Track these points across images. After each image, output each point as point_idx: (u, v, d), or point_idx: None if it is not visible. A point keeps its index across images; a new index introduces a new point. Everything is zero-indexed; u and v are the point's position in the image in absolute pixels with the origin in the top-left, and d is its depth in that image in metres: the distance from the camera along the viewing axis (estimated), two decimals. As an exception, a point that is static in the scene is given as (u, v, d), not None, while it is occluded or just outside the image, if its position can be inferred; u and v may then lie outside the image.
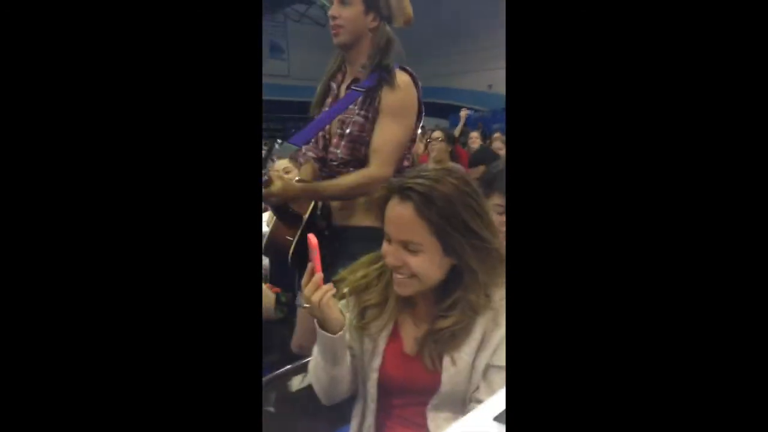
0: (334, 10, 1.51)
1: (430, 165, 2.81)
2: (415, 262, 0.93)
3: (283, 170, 2.77)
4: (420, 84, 1.52)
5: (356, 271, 1.04)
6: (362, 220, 1.53)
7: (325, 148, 1.56)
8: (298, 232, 1.64)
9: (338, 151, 1.51)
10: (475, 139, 5.33)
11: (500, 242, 0.92)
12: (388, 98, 1.47)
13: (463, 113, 6.16)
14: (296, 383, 1.09)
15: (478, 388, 0.95)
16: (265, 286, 2.30)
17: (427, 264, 0.93)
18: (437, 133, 3.66)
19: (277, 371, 1.11)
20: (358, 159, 1.50)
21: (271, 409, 1.04)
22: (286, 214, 1.66)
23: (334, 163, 1.53)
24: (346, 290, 1.04)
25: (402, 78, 1.48)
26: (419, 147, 5.12)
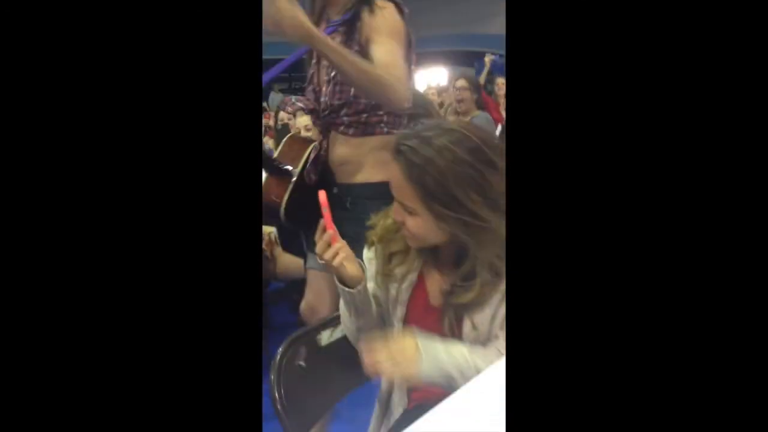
0: None
1: (450, 118, 2.76)
2: (411, 223, 0.92)
3: (305, 128, 2.75)
4: (406, 12, 1.41)
5: (387, 217, 1.02)
6: (371, 175, 1.42)
7: (317, 99, 1.48)
8: (289, 188, 1.57)
9: (326, 99, 1.43)
10: (501, 86, 5.19)
11: (500, 220, 0.87)
12: (372, 23, 1.37)
13: (488, 59, 5.97)
14: (325, 337, 1.10)
15: (497, 337, 0.95)
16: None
17: (422, 227, 0.91)
18: (461, 82, 3.53)
19: (306, 327, 1.13)
20: (348, 102, 1.42)
21: (302, 363, 1.05)
22: (274, 168, 1.56)
23: (326, 112, 1.45)
24: (374, 238, 1.03)
25: (382, 3, 1.38)
26: (444, 97, 4.97)
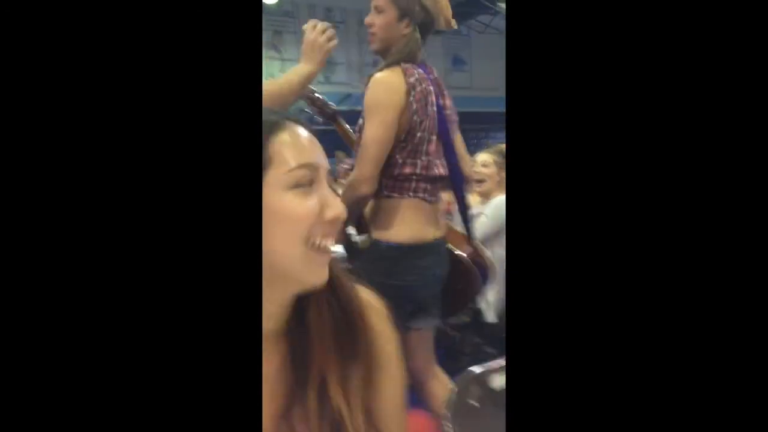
0: (368, 19, 1.54)
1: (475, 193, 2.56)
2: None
3: None
4: (415, 77, 1.50)
5: None
6: (399, 233, 1.54)
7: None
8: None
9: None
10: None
11: None
12: (366, 97, 1.50)
13: None
14: (498, 382, 1.14)
15: None
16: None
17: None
18: (484, 157, 2.63)
19: (481, 369, 1.17)
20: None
21: (475, 403, 1.09)
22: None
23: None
24: None
25: (380, 75, 1.49)
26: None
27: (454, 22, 1.60)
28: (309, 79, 1.48)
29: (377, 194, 1.55)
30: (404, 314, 1.59)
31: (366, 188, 1.49)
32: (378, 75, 1.51)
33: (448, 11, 1.58)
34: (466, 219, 1.78)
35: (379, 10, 1.52)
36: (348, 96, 1.74)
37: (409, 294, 1.57)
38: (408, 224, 1.55)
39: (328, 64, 1.49)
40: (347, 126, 1.77)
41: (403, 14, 1.51)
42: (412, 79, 1.51)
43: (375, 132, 1.48)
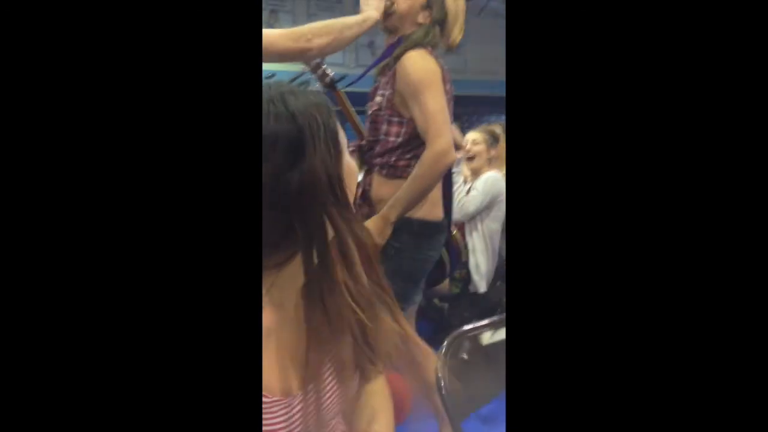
0: None
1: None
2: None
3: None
4: (440, 60, 1.52)
5: None
6: (428, 211, 1.57)
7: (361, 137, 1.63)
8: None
9: (367, 133, 1.58)
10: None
11: None
12: (410, 74, 1.48)
13: None
14: (486, 338, 1.21)
15: None
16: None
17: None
18: (474, 135, 2.76)
19: (474, 325, 1.24)
20: (377, 139, 1.54)
21: (465, 356, 1.16)
22: None
23: (366, 148, 1.59)
24: None
25: (415, 54, 1.49)
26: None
27: (454, 47, 1.63)
28: (367, 25, 1.46)
29: (403, 173, 1.57)
30: (418, 289, 1.65)
31: (452, 156, 1.50)
32: (412, 53, 1.51)
33: (457, 37, 1.61)
34: (451, 200, 1.83)
35: None
36: (343, 77, 1.76)
37: (428, 268, 1.64)
38: (432, 203, 1.60)
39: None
40: (347, 99, 1.80)
41: (429, 4, 1.55)
42: (440, 61, 1.56)
43: (438, 102, 1.48)
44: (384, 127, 1.56)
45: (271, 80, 0.73)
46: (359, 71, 1.70)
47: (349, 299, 0.71)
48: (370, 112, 1.60)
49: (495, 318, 1.25)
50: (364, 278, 0.75)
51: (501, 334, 1.22)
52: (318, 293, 0.70)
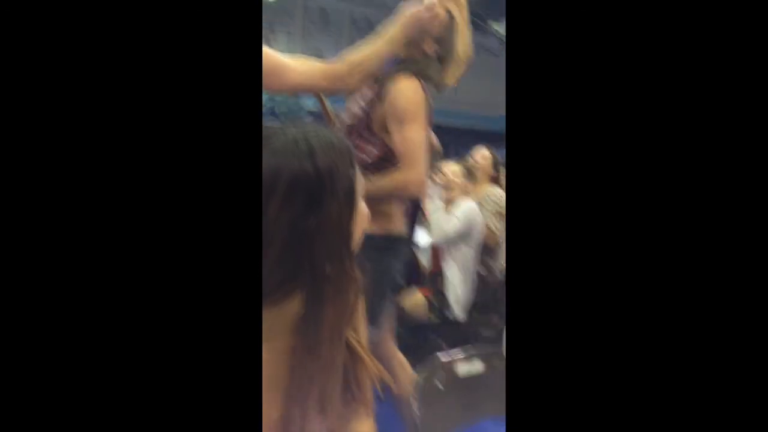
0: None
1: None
2: None
3: None
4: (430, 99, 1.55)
5: None
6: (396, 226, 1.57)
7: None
8: None
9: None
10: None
11: None
12: (399, 99, 1.48)
13: None
14: (463, 370, 1.23)
15: None
16: (417, 291, 2.48)
17: None
18: (454, 167, 2.76)
19: (451, 358, 1.26)
20: None
21: (440, 386, 1.18)
22: None
23: None
24: None
25: (407, 82, 1.50)
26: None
27: (449, 85, 1.64)
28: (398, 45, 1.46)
29: None
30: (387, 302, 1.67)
31: (422, 189, 1.54)
32: (406, 81, 1.48)
33: (456, 80, 1.62)
34: (415, 217, 1.85)
35: (430, 12, 1.51)
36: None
37: (394, 280, 1.66)
38: (394, 217, 1.62)
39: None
40: (329, 104, 1.78)
41: (440, 39, 1.55)
42: (426, 93, 1.58)
43: (420, 134, 1.50)
44: (356, 142, 1.56)
45: (299, 124, 0.73)
46: None
47: (343, 339, 0.73)
48: (345, 120, 1.59)
49: (471, 351, 1.27)
50: (358, 320, 0.77)
51: (478, 366, 1.24)
52: (313, 331, 0.71)
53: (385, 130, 1.51)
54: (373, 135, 1.53)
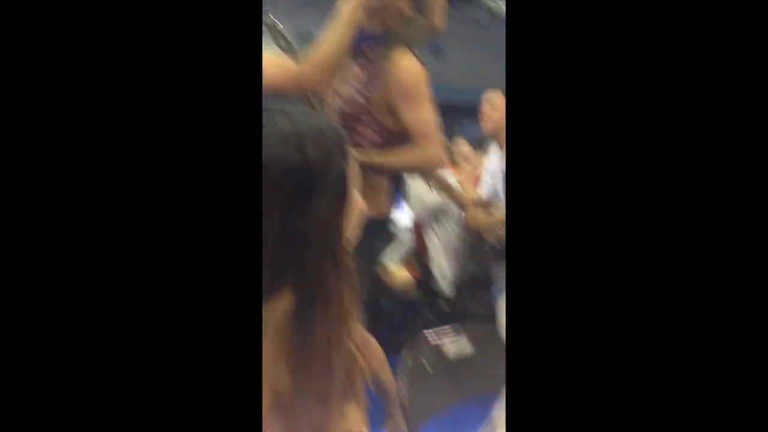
0: None
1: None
2: None
3: None
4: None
5: None
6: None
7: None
8: None
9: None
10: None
11: None
12: (402, 81, 1.44)
13: None
14: (453, 350, 1.21)
15: None
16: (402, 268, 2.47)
17: None
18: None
19: (440, 340, 1.24)
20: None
21: (429, 369, 1.16)
22: None
23: None
24: None
25: (407, 59, 1.46)
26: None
27: (437, 31, 1.61)
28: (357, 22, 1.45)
29: None
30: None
31: (440, 164, 1.54)
32: (402, 58, 1.45)
33: (443, 15, 1.54)
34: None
35: None
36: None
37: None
38: (385, 199, 1.61)
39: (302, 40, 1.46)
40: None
41: None
42: (423, 62, 1.52)
43: (431, 111, 1.48)
44: (358, 127, 1.55)
45: (288, 112, 0.69)
46: None
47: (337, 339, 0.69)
48: (340, 103, 1.56)
49: (460, 330, 1.25)
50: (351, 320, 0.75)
51: (467, 347, 1.22)
52: (306, 327, 0.68)
53: (390, 112, 1.48)
54: (376, 123, 1.48)
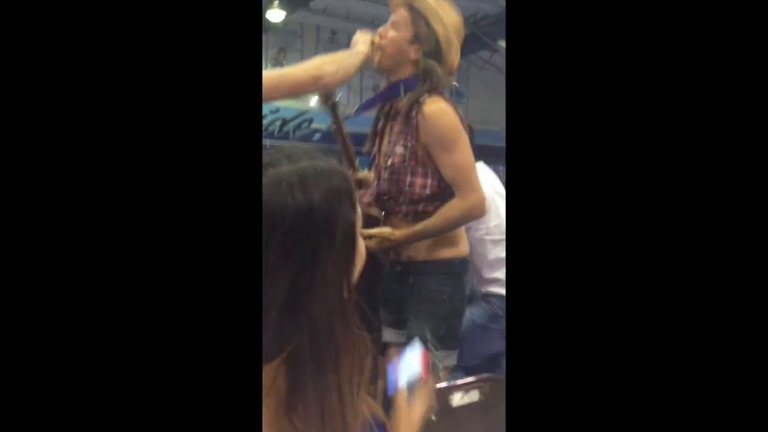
0: (382, 30, 1.53)
1: None
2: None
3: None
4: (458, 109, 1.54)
5: None
6: (432, 252, 1.54)
7: (378, 179, 1.59)
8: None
9: (383, 184, 1.55)
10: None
11: None
12: (434, 128, 1.47)
13: None
14: (457, 399, 1.18)
15: None
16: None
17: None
18: None
19: (444, 385, 1.21)
20: (400, 190, 1.52)
21: (433, 417, 1.13)
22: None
23: (385, 197, 1.56)
24: None
25: (442, 104, 1.49)
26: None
27: (454, 78, 1.60)
28: (364, 57, 1.48)
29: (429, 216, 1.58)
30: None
31: (484, 210, 1.54)
32: (432, 105, 1.48)
33: (457, 55, 1.56)
34: None
35: (395, 27, 1.52)
36: (346, 118, 1.76)
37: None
38: (461, 241, 1.60)
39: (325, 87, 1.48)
40: (345, 128, 1.75)
41: (417, 38, 1.51)
42: (455, 106, 1.56)
43: (468, 155, 1.51)
44: (408, 179, 1.53)
45: (285, 150, 0.66)
46: (365, 115, 1.69)
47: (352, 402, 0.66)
48: (390, 162, 1.55)
49: (469, 379, 1.22)
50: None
51: (472, 396, 1.19)
52: (318, 397, 0.63)
53: (432, 159, 1.50)
54: (423, 166, 1.51)
